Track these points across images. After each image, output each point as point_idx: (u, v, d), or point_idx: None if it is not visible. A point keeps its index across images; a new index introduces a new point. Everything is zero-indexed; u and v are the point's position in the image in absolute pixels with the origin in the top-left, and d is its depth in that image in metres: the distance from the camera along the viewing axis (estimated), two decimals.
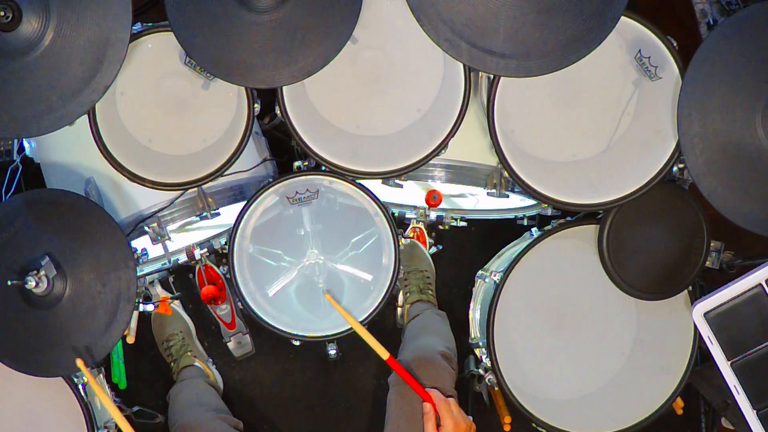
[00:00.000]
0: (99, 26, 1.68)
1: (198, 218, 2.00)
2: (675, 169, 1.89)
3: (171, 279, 2.37)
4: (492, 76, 1.84)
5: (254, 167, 2.07)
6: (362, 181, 1.99)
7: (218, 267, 2.22)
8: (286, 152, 2.26)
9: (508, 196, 2.05)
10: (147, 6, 2.28)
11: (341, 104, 1.96)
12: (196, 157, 1.95)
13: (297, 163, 2.06)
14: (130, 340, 2.12)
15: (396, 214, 2.23)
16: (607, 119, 1.94)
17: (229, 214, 2.03)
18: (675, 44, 1.82)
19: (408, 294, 2.35)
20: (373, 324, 2.02)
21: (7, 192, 2.10)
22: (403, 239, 2.06)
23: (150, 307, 1.94)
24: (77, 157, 1.99)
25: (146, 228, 1.96)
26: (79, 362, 1.73)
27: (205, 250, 2.16)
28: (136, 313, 1.95)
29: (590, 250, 1.99)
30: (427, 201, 2.12)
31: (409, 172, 1.94)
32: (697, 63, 1.74)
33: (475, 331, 2.21)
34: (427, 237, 2.38)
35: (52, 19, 1.67)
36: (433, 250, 2.42)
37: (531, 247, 2.00)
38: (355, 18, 1.76)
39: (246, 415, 2.20)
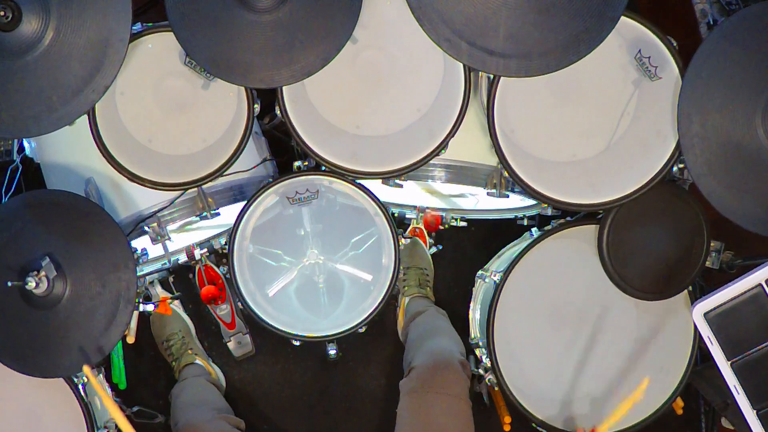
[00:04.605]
0: (99, 26, 1.68)
1: (198, 218, 2.00)
2: (675, 169, 1.88)
3: (171, 279, 2.37)
4: (492, 76, 1.84)
5: (254, 167, 2.07)
6: (362, 181, 1.99)
7: (218, 267, 2.21)
8: (286, 152, 2.26)
9: (508, 196, 2.05)
10: (147, 6, 2.28)
11: (341, 104, 1.96)
12: (196, 157, 1.95)
13: (297, 163, 2.06)
14: (130, 340, 2.12)
15: (396, 214, 2.22)
16: (607, 119, 1.93)
17: (229, 214, 2.03)
18: (675, 44, 1.82)
19: (406, 287, 2.34)
20: (373, 324, 2.02)
21: (7, 192, 2.10)
22: (403, 239, 2.06)
23: (150, 307, 1.94)
24: (77, 157, 1.99)
25: (146, 228, 1.96)
26: (86, 369, 1.67)
27: (205, 250, 2.16)
28: (136, 313, 1.95)
29: (590, 250, 1.99)
30: (425, 225, 2.19)
31: (409, 172, 1.94)
32: (697, 63, 1.74)
33: (475, 331, 2.21)
34: (427, 237, 2.38)
35: (52, 19, 1.67)
36: (433, 250, 2.42)
37: (531, 247, 2.00)
38: (355, 18, 1.76)
39: (246, 415, 2.20)
